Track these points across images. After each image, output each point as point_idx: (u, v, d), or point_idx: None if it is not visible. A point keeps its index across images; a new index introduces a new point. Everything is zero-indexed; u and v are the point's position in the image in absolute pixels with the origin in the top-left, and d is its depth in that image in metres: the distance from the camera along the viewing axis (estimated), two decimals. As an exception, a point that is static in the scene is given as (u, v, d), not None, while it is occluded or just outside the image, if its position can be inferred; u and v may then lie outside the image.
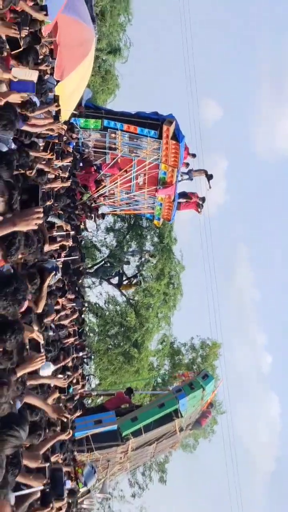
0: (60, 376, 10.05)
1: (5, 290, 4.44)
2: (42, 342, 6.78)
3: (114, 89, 35.02)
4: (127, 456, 20.38)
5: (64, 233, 10.26)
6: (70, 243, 10.89)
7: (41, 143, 9.09)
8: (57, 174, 11.02)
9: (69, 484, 10.69)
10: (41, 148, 9.04)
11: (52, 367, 8.06)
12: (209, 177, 22.58)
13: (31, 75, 6.97)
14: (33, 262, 7.01)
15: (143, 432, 19.60)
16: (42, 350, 6.38)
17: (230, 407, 33.73)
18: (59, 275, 7.95)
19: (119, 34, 33.89)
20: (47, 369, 7.71)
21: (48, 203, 9.57)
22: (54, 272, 7.50)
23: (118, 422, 19.54)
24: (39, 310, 7.11)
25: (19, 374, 5.16)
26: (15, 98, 6.62)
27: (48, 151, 9.07)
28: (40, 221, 4.53)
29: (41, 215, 4.44)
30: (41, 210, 4.48)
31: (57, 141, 10.55)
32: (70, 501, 9.96)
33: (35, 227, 4.66)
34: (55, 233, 9.00)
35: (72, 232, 11.60)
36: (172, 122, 19.97)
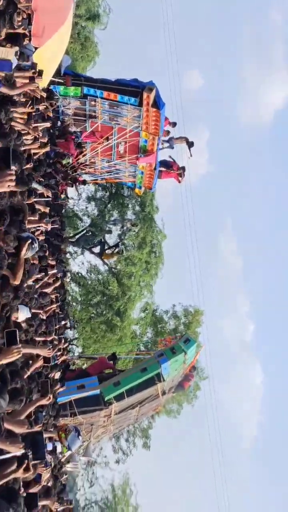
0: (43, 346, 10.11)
1: None
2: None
3: (94, 56, 34.67)
4: (110, 419, 20.69)
5: (45, 199, 10.26)
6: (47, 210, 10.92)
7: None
8: (36, 136, 10.93)
9: (50, 447, 10.85)
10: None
11: (27, 312, 7.90)
12: (190, 144, 22.53)
13: (8, 54, 6.79)
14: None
15: (125, 396, 19.91)
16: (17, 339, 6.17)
17: (213, 374, 34.19)
18: (36, 246, 7.72)
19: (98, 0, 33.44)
20: (23, 313, 7.61)
21: (28, 166, 9.53)
22: (31, 240, 7.28)
23: (101, 387, 19.80)
24: (17, 282, 7.00)
25: None
26: None
27: (27, 107, 9.00)
28: (13, 184, 4.54)
29: (14, 177, 4.45)
30: (13, 173, 4.49)
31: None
32: (53, 464, 10.12)
33: (8, 189, 4.67)
34: (33, 199, 9.00)
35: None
36: (153, 89, 19.83)
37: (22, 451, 5.74)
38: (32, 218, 9.05)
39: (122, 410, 20.70)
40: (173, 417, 35.25)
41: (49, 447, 10.32)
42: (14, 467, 5.55)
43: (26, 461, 6.00)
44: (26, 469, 6.14)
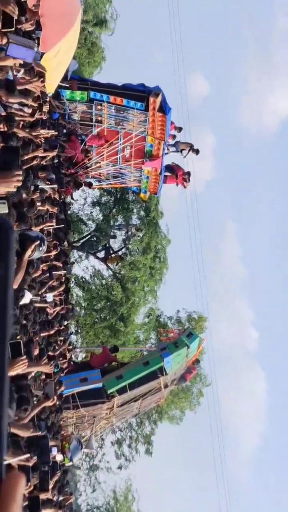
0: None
1: None
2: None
3: (100, 62, 34.77)
4: (112, 412, 20.87)
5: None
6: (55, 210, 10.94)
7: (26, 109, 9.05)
8: (39, 142, 10.98)
9: (55, 451, 10.87)
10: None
11: (29, 295, 7.67)
12: (195, 151, 22.56)
13: (30, 43, 6.75)
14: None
15: (128, 390, 20.09)
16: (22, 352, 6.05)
17: (216, 380, 34.16)
18: (44, 248, 7.38)
19: (105, 5, 33.56)
20: (25, 298, 7.34)
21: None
22: (39, 242, 6.87)
23: (103, 380, 20.00)
24: (15, 286, 6.51)
25: None
26: (9, 63, 6.49)
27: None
28: (19, 184, 4.54)
29: (21, 177, 4.45)
30: (21, 173, 4.49)
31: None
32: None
33: (14, 189, 4.67)
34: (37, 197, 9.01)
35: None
36: (159, 94, 19.88)
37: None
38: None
39: (125, 403, 20.87)
40: (176, 424, 35.17)
41: (54, 451, 10.33)
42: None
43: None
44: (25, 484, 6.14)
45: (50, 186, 10.86)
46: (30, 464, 6.39)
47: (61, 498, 12.28)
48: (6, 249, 1.01)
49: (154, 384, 21.04)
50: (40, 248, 7.00)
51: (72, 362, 20.84)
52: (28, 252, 6.59)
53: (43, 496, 7.87)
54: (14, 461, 5.51)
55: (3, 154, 4.93)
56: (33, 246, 6.62)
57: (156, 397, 22.93)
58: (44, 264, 11.14)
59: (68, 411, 19.03)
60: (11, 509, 1.03)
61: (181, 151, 22.44)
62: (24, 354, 6.05)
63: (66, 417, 18.98)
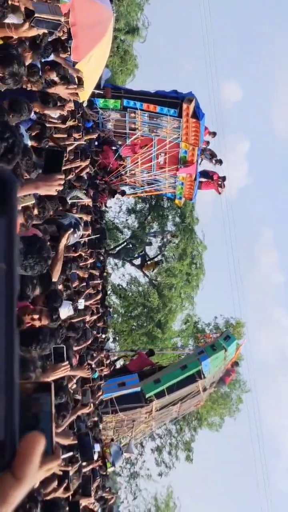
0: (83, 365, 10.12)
1: (31, 248, 4.43)
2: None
3: (133, 70, 34.85)
4: (151, 416, 20.94)
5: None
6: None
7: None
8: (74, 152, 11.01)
9: (98, 448, 10.86)
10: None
11: (70, 309, 7.58)
12: (219, 162, 22.40)
13: (56, 12, 6.32)
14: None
15: (166, 394, 20.05)
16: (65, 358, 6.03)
17: (256, 387, 33.85)
18: (80, 233, 7.00)
19: (137, 13, 33.64)
20: (65, 310, 7.24)
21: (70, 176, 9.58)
22: (72, 229, 6.62)
23: (141, 384, 20.08)
24: (54, 278, 6.18)
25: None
26: (32, 33, 6.28)
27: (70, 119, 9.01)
28: (61, 188, 4.52)
29: (63, 181, 4.43)
30: (63, 177, 4.47)
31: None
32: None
33: (55, 193, 4.67)
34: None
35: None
36: (192, 100, 19.83)
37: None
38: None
39: (163, 406, 20.89)
40: (215, 430, 34.95)
41: (97, 448, 10.32)
42: (55, 484, 5.54)
43: (66, 481, 6.02)
44: (66, 489, 6.14)
45: (85, 199, 10.88)
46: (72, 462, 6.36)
47: (104, 494, 12.30)
48: (9, 204, 1.02)
49: (192, 388, 21.00)
50: (75, 235, 6.81)
51: (111, 368, 20.90)
52: (63, 242, 6.39)
53: (85, 501, 7.84)
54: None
55: (46, 157, 4.93)
56: (66, 235, 6.42)
57: (195, 401, 22.88)
58: (81, 271, 11.16)
59: (107, 415, 19.13)
60: (27, 471, 1.05)
61: (210, 159, 22.34)
62: (67, 360, 6.05)
63: (105, 421, 19.07)
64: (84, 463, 7.74)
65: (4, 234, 1.01)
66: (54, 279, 6.11)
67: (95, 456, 8.31)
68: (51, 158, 4.89)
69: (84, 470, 7.92)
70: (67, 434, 6.34)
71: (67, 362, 5.94)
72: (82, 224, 7.02)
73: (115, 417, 19.62)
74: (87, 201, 11.33)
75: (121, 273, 34.57)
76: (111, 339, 31.92)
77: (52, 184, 4.29)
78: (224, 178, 22.62)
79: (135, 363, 22.03)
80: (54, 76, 8.64)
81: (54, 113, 8.71)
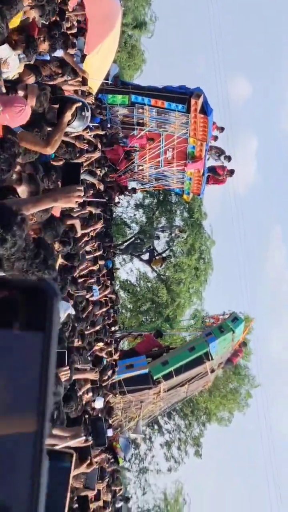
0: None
1: (36, 256, 4.26)
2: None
3: (141, 65, 34.80)
4: (159, 397, 21.04)
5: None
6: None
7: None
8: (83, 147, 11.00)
9: (111, 433, 10.90)
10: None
11: (70, 308, 7.47)
12: (228, 158, 22.31)
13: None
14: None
15: (174, 375, 20.14)
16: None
17: (265, 381, 33.80)
18: (88, 115, 5.84)
19: (145, 8, 33.60)
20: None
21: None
22: (81, 104, 5.63)
23: (149, 366, 20.19)
24: (50, 150, 5.30)
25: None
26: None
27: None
28: (81, 200, 4.48)
29: (82, 193, 4.38)
30: (82, 189, 4.43)
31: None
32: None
33: (75, 205, 4.61)
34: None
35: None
36: (200, 95, 19.76)
37: (83, 438, 5.78)
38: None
39: (171, 388, 20.96)
40: (224, 425, 34.94)
41: (110, 433, 10.36)
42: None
43: (89, 457, 6.07)
44: (90, 465, 6.18)
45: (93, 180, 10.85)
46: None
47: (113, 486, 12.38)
48: (48, 319, 0.93)
49: (200, 369, 21.09)
50: (83, 113, 5.70)
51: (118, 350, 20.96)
52: (68, 115, 5.34)
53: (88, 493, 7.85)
54: (72, 443, 5.50)
55: (64, 170, 4.91)
56: (74, 108, 5.37)
57: (203, 382, 23.01)
58: (89, 262, 11.21)
59: (115, 397, 19.19)
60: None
61: (218, 157, 22.26)
62: (68, 364, 6.08)
63: (114, 402, 19.13)
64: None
65: (41, 352, 0.93)
66: (51, 150, 5.38)
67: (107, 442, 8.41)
68: (69, 170, 4.90)
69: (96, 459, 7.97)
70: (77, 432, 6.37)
71: (67, 368, 5.95)
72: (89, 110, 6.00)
73: (123, 398, 19.77)
74: (96, 183, 11.27)
75: (129, 268, 34.59)
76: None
77: (72, 195, 4.27)
78: (232, 172, 22.50)
79: (142, 345, 22.24)
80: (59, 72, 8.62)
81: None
